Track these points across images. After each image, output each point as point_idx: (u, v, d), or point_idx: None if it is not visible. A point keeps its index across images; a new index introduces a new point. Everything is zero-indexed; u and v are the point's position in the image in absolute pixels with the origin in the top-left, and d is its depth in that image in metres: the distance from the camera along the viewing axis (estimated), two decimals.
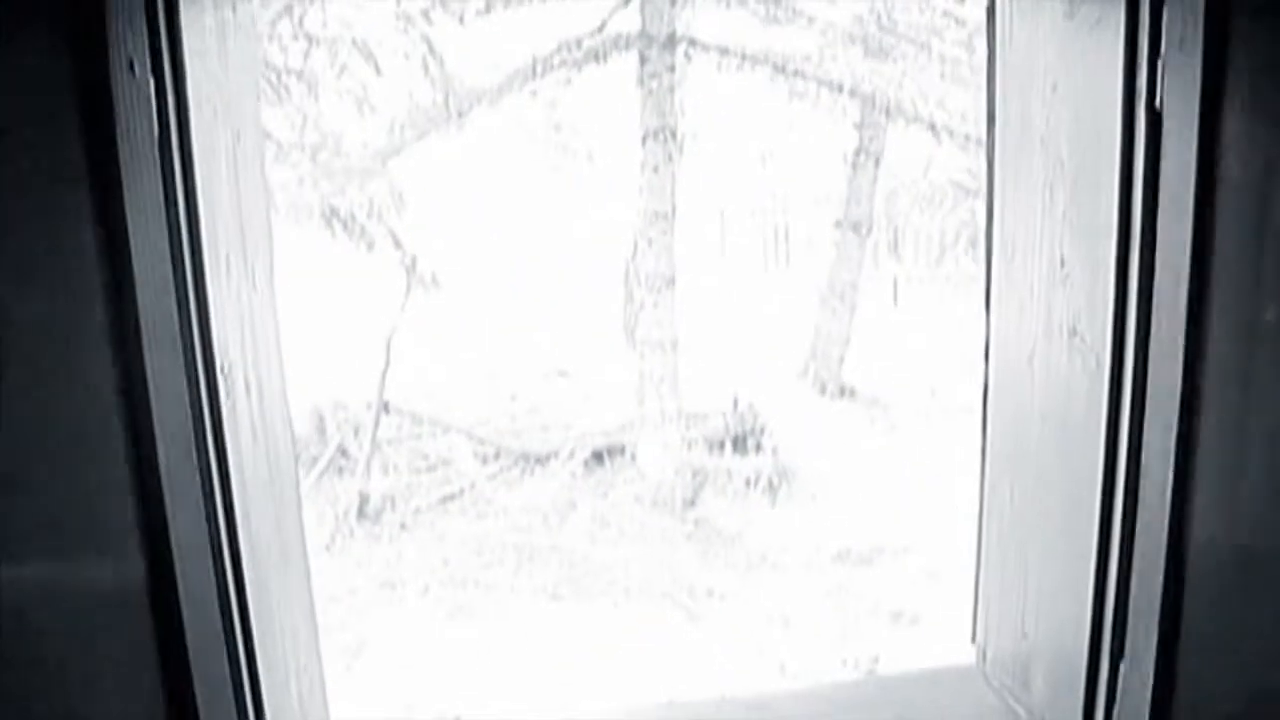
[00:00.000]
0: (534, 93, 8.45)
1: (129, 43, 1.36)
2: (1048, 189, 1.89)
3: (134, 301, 1.39)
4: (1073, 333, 1.84)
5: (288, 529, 1.90)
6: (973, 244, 11.83)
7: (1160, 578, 1.59)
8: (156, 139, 1.43)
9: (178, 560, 1.47)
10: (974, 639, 2.41)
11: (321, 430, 10.08)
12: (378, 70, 9.66)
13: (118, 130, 1.35)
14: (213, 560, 1.55)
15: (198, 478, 1.52)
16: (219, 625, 1.57)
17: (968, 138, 8.19)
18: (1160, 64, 1.54)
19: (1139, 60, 1.59)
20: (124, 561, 1.43)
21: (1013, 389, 2.10)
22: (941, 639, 6.13)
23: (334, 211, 9.98)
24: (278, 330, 1.92)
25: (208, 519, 1.54)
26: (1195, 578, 1.59)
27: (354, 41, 9.56)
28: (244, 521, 1.64)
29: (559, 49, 8.12)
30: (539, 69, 8.27)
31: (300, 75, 9.64)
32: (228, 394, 1.60)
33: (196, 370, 1.51)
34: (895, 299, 12.74)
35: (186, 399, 1.49)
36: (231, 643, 1.59)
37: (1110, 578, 1.79)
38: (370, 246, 10.22)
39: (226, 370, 1.59)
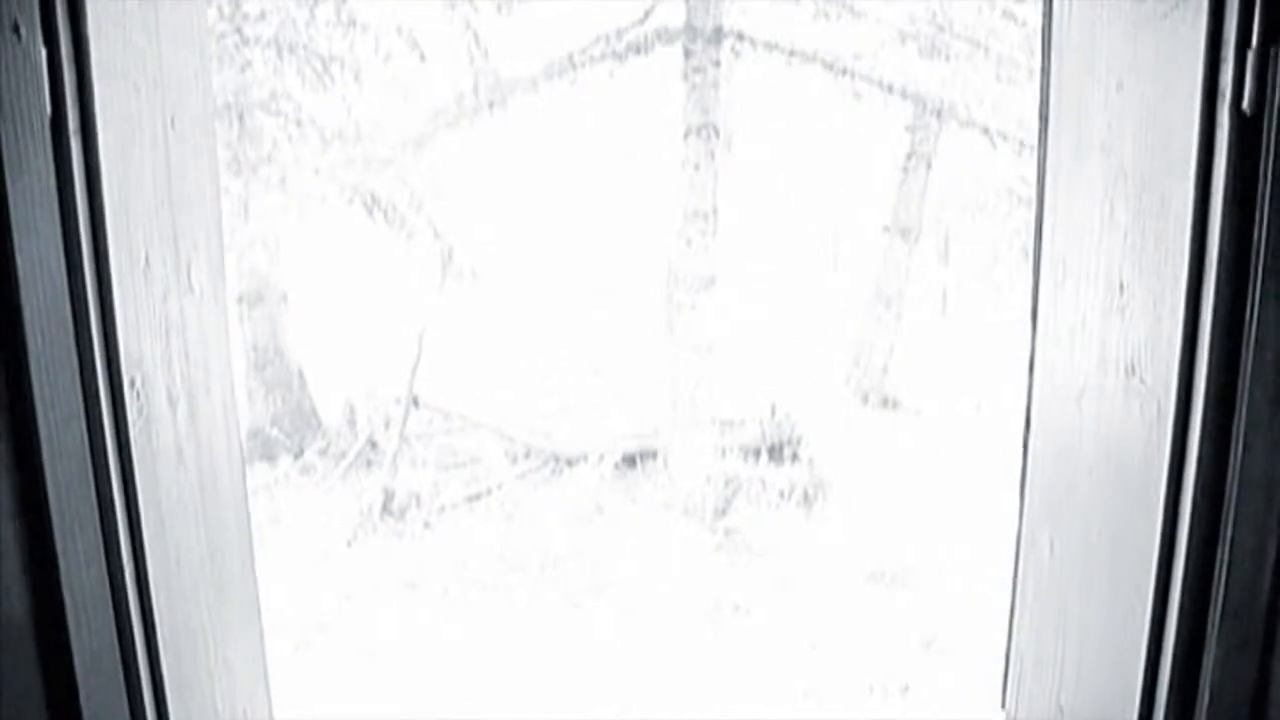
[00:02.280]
0: (574, 83, 8.26)
1: (13, 1, 1.15)
2: (1107, 202, 1.63)
3: (18, 305, 1.19)
4: (1130, 371, 1.58)
5: (228, 563, 1.68)
6: (1025, 254, 11.45)
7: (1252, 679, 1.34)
8: (48, 117, 1.22)
9: (71, 607, 1.27)
10: (1003, 705, 2.15)
11: (352, 422, 10.02)
12: (422, 58, 9.55)
13: None
14: (114, 605, 1.34)
15: (96, 508, 1.31)
16: (121, 681, 1.36)
17: (1023, 143, 7.85)
18: (1251, 57, 1.28)
19: (1224, 53, 1.32)
20: (8, 620, 1.22)
21: (1057, 429, 1.83)
22: (974, 672, 5.85)
23: (374, 200, 9.89)
24: (224, 338, 1.70)
25: (108, 556, 1.33)
26: None
27: (398, 29, 9.47)
28: (159, 557, 1.43)
29: (601, 40, 7.92)
30: (581, 60, 8.07)
31: (343, 62, 9.56)
32: (140, 412, 1.38)
33: (96, 385, 1.30)
34: (944, 308, 12.39)
35: (83, 418, 1.28)
36: (137, 703, 1.38)
37: (1165, 658, 1.53)
38: (409, 236, 10.13)
39: (139, 384, 1.38)
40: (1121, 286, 1.60)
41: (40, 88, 1.21)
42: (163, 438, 1.47)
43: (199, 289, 1.61)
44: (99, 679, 1.33)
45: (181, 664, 1.50)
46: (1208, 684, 1.48)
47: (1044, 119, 1.87)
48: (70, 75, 1.25)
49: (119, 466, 1.35)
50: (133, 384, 1.37)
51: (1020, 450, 2.00)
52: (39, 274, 1.22)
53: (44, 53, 1.21)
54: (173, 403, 1.50)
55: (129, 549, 1.37)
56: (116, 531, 1.35)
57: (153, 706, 1.42)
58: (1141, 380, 1.55)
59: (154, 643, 1.42)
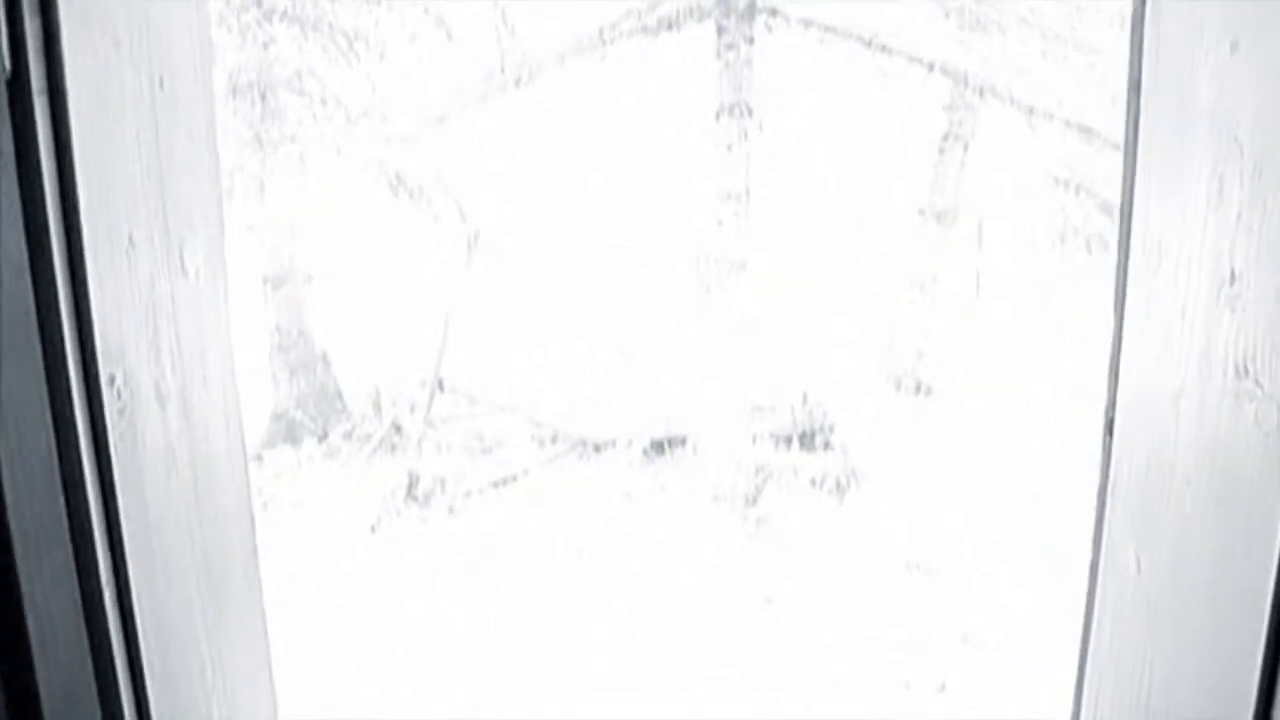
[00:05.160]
0: (604, 60, 8.07)
1: None
2: (1216, 180, 1.44)
3: None
4: (1242, 373, 1.39)
5: (229, 574, 1.53)
6: (1062, 239, 11.22)
7: None
8: (7, 74, 1.05)
9: (36, 635, 1.11)
10: None
11: (377, 405, 9.92)
12: (448, 36, 9.42)
13: None
14: (89, 630, 1.19)
15: (66, 522, 1.15)
16: (99, 717, 1.21)
17: (1067, 123, 7.59)
18: None
19: None
20: None
21: (1148, 434, 1.64)
22: (1013, 670, 5.68)
23: (400, 180, 9.77)
24: (224, 326, 1.54)
25: (81, 576, 1.17)
26: None
27: (425, 8, 9.34)
28: (143, 573, 1.27)
29: (631, 15, 7.72)
30: (611, 35, 7.88)
31: (368, 40, 9.44)
32: (122, 410, 1.22)
33: (67, 383, 1.14)
34: (979, 294, 12.12)
35: (49, 419, 1.13)
36: None
37: (1279, 706, 1.34)
38: (436, 218, 10.00)
39: (120, 380, 1.22)
40: (1232, 275, 1.41)
41: None
42: (149, 439, 1.30)
43: (194, 272, 1.44)
44: (72, 715, 1.18)
45: (173, 691, 1.35)
46: None
47: (1135, 84, 1.67)
48: (34, 26, 1.08)
49: (96, 474, 1.19)
50: (112, 380, 1.21)
51: (1102, 454, 1.81)
52: None
53: (2, 2, 1.05)
54: (162, 399, 1.33)
55: (108, 565, 1.21)
56: (93, 547, 1.19)
57: None
58: (1257, 383, 1.36)
59: (138, 669, 1.26)
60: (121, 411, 1.23)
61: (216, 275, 1.53)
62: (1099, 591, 1.80)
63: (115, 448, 1.21)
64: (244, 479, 1.60)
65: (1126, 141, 1.71)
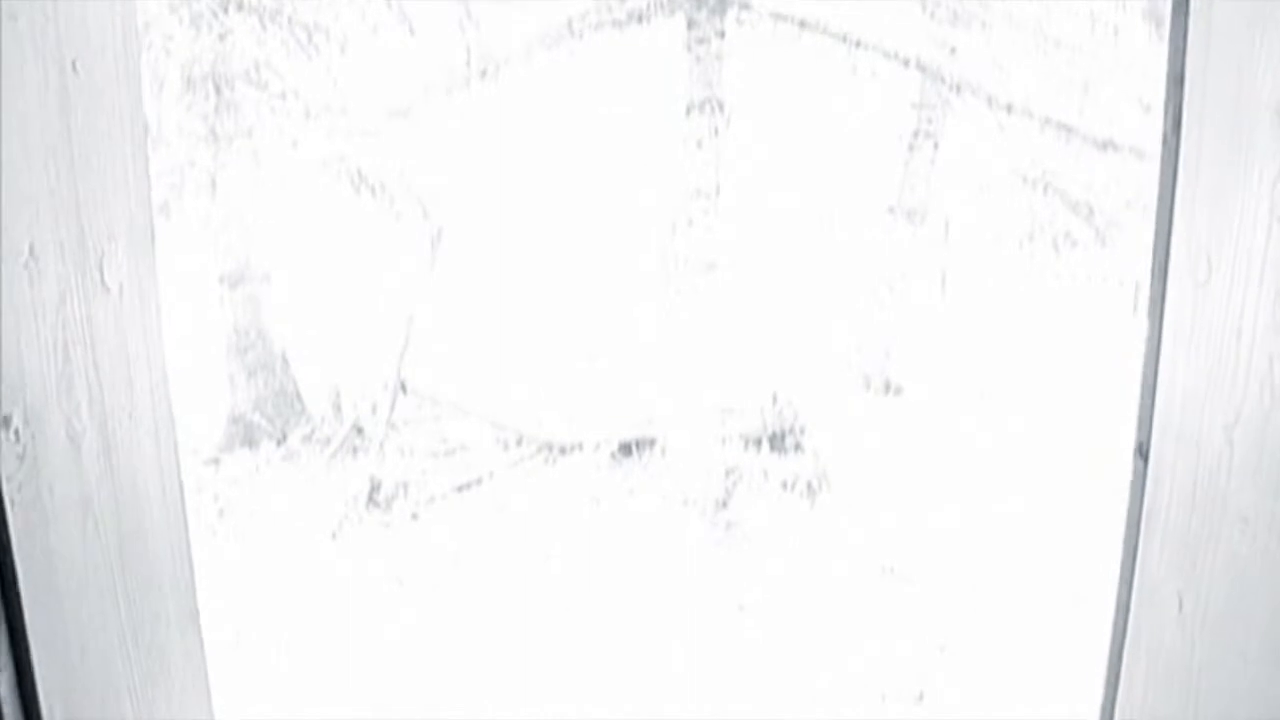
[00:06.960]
0: (572, 54, 7.88)
1: None
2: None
3: None
4: None
5: (164, 639, 1.32)
6: (1030, 238, 11.19)
7: None
8: None
9: None
10: None
11: (337, 408, 9.70)
12: (411, 30, 9.21)
13: None
14: None
15: None
16: None
17: (1046, 121, 7.49)
18: None
19: None
20: None
21: (1194, 464, 1.48)
22: (991, 676, 5.57)
23: (361, 177, 9.54)
24: (157, 346, 1.34)
25: None
26: None
27: (387, 1, 9.13)
28: (52, 651, 1.07)
29: (600, 6, 7.53)
30: (579, 27, 7.70)
31: (328, 32, 9.21)
32: (21, 456, 1.02)
33: None
34: (947, 292, 12.07)
35: None
36: None
37: None
38: (398, 216, 9.80)
39: (19, 420, 1.02)
40: None
41: None
42: (59, 488, 1.10)
43: (117, 287, 1.24)
44: None
45: None
46: None
47: (1177, 78, 1.51)
48: None
49: None
50: (8, 421, 1.01)
51: (1133, 480, 1.65)
52: None
53: None
54: (75, 440, 1.13)
55: (3, 644, 1.01)
56: None
57: None
58: None
59: None
60: (20, 457, 1.03)
61: (146, 290, 1.32)
62: (1131, 628, 1.65)
63: (12, 501, 1.01)
64: (181, 526, 1.39)
65: (1165, 142, 1.55)
